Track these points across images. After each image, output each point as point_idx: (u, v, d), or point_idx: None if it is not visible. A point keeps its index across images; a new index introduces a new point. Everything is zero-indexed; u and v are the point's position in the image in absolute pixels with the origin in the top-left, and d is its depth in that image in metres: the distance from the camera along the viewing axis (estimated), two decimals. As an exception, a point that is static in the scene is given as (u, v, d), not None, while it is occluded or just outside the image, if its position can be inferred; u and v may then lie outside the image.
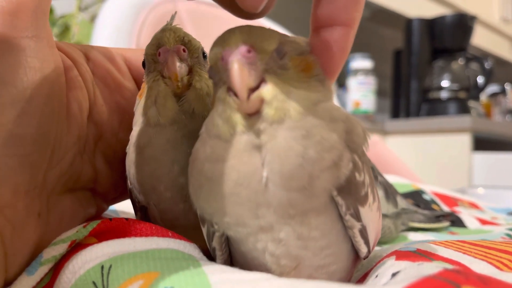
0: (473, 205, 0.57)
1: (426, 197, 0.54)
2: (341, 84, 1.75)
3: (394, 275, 0.19)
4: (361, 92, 1.61)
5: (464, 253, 0.22)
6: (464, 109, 1.67)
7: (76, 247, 0.21)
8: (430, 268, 0.17)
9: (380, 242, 0.37)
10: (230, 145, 0.18)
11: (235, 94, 0.18)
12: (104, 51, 0.27)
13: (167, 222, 0.25)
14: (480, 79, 1.74)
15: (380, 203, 0.23)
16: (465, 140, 1.53)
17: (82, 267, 0.19)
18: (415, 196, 0.52)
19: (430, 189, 0.56)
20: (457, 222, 0.48)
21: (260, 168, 0.18)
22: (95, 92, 0.26)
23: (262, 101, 0.18)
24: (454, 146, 1.55)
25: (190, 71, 0.24)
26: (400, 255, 0.21)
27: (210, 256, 0.22)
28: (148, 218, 0.26)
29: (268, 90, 0.18)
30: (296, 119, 0.18)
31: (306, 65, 0.20)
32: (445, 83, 1.71)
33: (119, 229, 0.21)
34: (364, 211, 0.20)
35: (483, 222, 0.49)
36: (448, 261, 0.21)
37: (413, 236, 0.40)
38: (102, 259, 0.19)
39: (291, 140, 0.18)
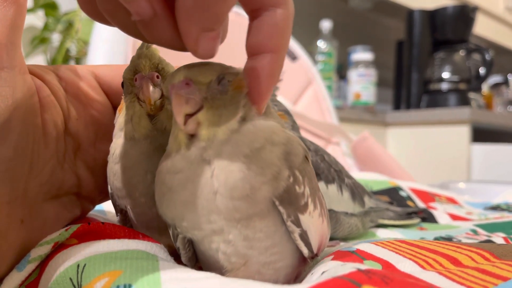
0: (451, 200, 0.60)
1: (403, 193, 0.56)
2: (342, 76, 1.76)
3: (323, 273, 0.22)
4: (361, 84, 1.63)
5: (397, 253, 0.25)
6: (464, 101, 1.68)
7: (59, 247, 0.24)
8: (347, 269, 0.20)
9: (348, 238, 0.40)
10: (186, 159, 0.22)
11: None
12: (74, 69, 0.29)
13: (142, 224, 0.28)
14: (481, 70, 1.74)
15: (325, 210, 0.26)
16: (464, 131, 1.54)
17: (62, 265, 0.22)
18: (391, 193, 0.55)
19: (407, 185, 0.59)
20: (429, 218, 0.50)
21: (210, 179, 0.21)
22: (68, 108, 0.28)
23: (199, 124, 0.21)
24: (453, 137, 1.57)
25: (163, 95, 0.27)
26: (338, 255, 0.25)
27: (177, 254, 0.26)
28: (128, 219, 0.30)
29: (202, 115, 0.21)
30: (223, 139, 0.21)
31: (239, 83, 0.22)
32: (445, 74, 1.71)
33: (96, 232, 0.25)
34: (304, 218, 0.23)
35: (455, 217, 0.51)
36: (379, 261, 0.24)
37: (381, 233, 0.43)
38: (79, 259, 0.22)
39: (234, 157, 0.21)
